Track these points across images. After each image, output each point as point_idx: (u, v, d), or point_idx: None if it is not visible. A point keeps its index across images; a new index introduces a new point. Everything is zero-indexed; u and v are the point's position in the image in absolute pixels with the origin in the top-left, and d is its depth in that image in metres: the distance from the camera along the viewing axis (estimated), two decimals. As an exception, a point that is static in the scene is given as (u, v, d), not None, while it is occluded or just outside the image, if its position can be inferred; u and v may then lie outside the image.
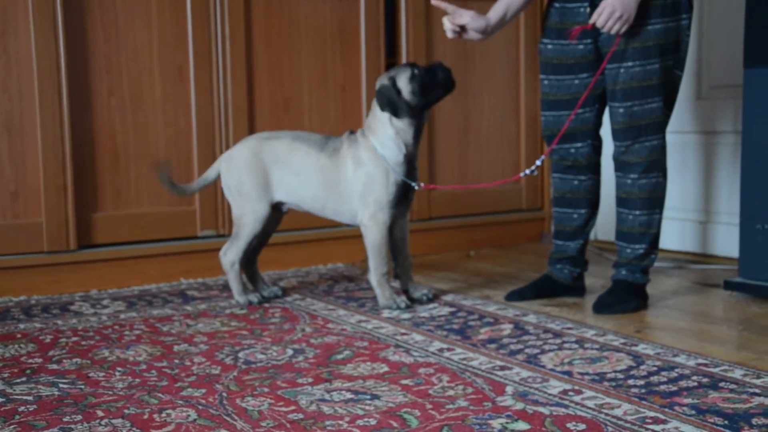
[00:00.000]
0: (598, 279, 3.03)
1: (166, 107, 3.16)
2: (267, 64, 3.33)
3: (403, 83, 2.56)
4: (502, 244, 3.89)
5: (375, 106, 2.62)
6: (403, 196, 2.63)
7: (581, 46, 2.58)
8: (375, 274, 2.65)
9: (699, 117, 3.41)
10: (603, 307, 2.57)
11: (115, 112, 3.07)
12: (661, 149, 2.59)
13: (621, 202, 2.65)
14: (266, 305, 2.71)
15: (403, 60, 3.61)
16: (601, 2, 2.49)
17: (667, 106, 2.56)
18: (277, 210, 2.75)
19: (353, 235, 3.49)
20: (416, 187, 2.64)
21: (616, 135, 2.59)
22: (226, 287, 2.99)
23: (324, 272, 3.28)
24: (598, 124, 2.69)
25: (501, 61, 3.91)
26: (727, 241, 3.31)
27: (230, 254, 2.71)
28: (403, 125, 2.58)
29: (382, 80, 2.60)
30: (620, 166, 2.62)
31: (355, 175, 2.60)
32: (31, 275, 2.89)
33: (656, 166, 2.58)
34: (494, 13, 2.67)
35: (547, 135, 2.72)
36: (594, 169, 2.72)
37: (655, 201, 2.61)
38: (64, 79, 2.92)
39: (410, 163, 2.61)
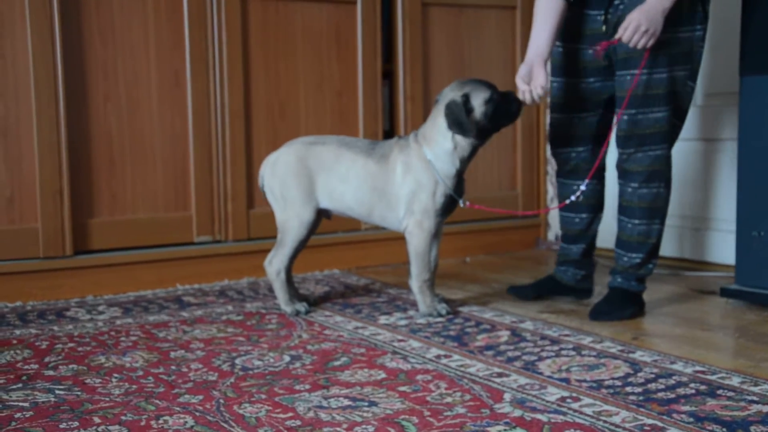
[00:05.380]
0: (595, 285, 3.03)
1: (163, 112, 3.15)
2: (263, 69, 3.33)
3: (478, 103, 2.51)
4: (498, 251, 3.89)
5: (438, 117, 2.55)
6: (448, 208, 2.61)
7: (591, 51, 2.58)
8: (417, 281, 2.62)
9: (695, 124, 3.42)
10: (599, 314, 2.57)
11: (112, 116, 3.06)
12: (665, 159, 2.57)
13: (621, 210, 2.65)
14: (263, 311, 2.70)
15: (400, 66, 3.61)
16: (624, 14, 2.48)
17: (676, 117, 2.55)
18: (318, 215, 2.69)
19: (348, 242, 3.49)
20: (462, 205, 2.62)
21: (619, 142, 2.59)
22: (222, 293, 2.99)
23: (320, 278, 3.28)
24: (603, 129, 2.69)
25: (497, 66, 3.91)
26: (723, 248, 3.31)
27: (276, 262, 2.66)
28: (464, 143, 2.54)
29: (454, 95, 2.52)
30: (622, 173, 2.61)
31: (403, 181, 2.57)
32: (27, 281, 2.88)
33: (658, 176, 2.57)
34: (547, 49, 2.58)
35: (552, 137, 2.75)
36: (595, 174, 2.71)
37: (655, 211, 2.60)
38: (60, 83, 2.91)
39: (459, 177, 2.60)
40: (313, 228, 2.70)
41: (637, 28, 2.39)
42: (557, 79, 2.67)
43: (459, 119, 2.49)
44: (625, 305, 2.60)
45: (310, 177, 2.61)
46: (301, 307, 2.67)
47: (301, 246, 2.71)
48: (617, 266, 2.68)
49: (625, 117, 2.54)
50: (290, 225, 2.63)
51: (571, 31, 2.64)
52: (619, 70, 2.55)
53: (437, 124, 2.56)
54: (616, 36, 2.45)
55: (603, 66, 2.60)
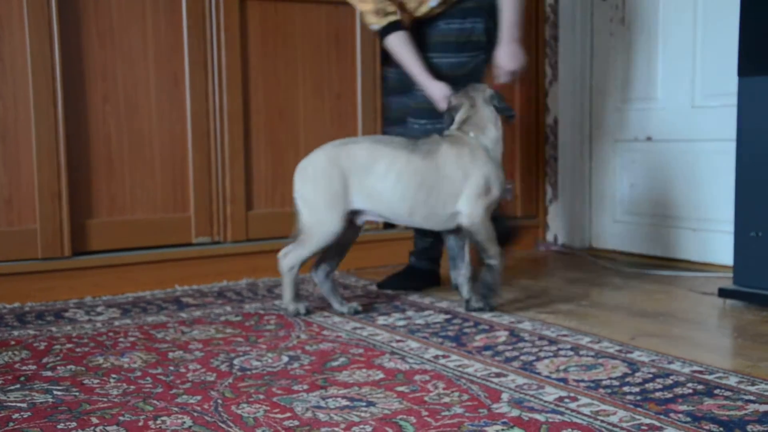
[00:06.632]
0: (593, 286, 3.03)
1: (162, 114, 3.15)
2: (262, 72, 3.34)
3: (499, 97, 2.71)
4: (497, 252, 3.88)
5: (482, 108, 2.65)
6: None
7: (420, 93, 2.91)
8: (500, 263, 2.65)
9: (692, 125, 3.43)
10: (386, 284, 3.02)
11: (110, 119, 3.07)
12: None
13: None
14: (261, 312, 2.71)
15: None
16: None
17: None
18: (352, 221, 2.64)
19: (348, 243, 3.49)
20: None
21: None
22: (220, 294, 2.99)
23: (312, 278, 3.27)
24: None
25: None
26: (721, 249, 3.31)
27: (291, 258, 2.60)
28: (502, 130, 2.68)
29: (484, 91, 2.67)
30: None
31: (465, 176, 2.56)
32: (25, 282, 2.88)
33: None
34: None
35: None
36: None
37: None
38: (59, 85, 2.92)
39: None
40: (347, 236, 2.65)
41: (507, 71, 2.83)
42: (393, 98, 3.06)
43: (508, 104, 2.69)
44: (414, 279, 3.03)
45: (343, 179, 2.54)
46: (302, 307, 2.66)
47: (338, 254, 2.69)
48: (413, 248, 3.12)
49: (428, 127, 2.87)
50: (316, 231, 2.55)
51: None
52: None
53: (483, 114, 2.64)
54: (496, 82, 2.85)
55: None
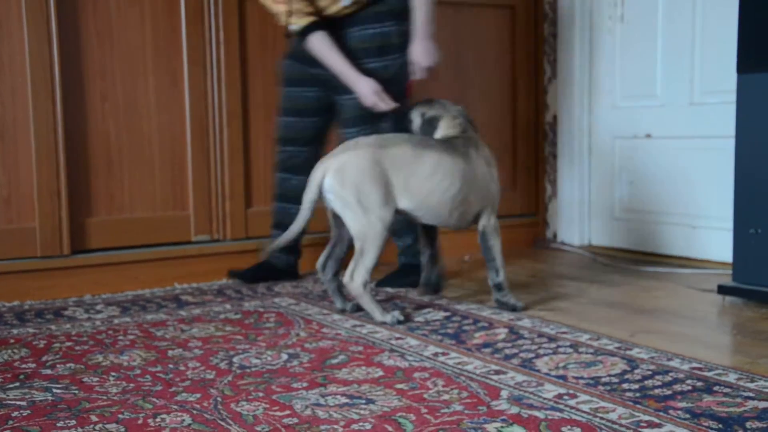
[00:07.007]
0: (592, 283, 3.03)
1: (161, 112, 3.15)
2: (261, 70, 3.33)
3: None
4: (497, 249, 3.88)
5: (463, 121, 2.72)
6: None
7: (311, 93, 3.00)
8: (506, 278, 2.69)
9: (691, 122, 3.43)
10: (385, 282, 3.03)
11: (109, 117, 3.07)
12: None
13: None
14: (261, 309, 2.71)
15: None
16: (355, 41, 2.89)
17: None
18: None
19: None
20: None
21: None
22: (220, 292, 2.98)
23: (318, 277, 3.27)
24: (323, 132, 3.08)
25: (495, 65, 3.92)
26: (720, 246, 3.31)
27: (358, 276, 2.50)
28: None
29: (453, 104, 2.77)
30: None
31: (492, 176, 2.65)
32: (25, 280, 2.88)
33: None
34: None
35: (280, 137, 3.09)
36: (305, 171, 2.89)
37: None
38: (57, 84, 2.92)
39: None
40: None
41: (422, 67, 2.87)
42: (288, 89, 3.04)
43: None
44: (412, 276, 3.00)
45: (385, 179, 2.49)
46: (398, 315, 2.53)
47: (347, 247, 2.64)
48: (398, 249, 3.09)
49: (363, 134, 2.86)
50: (373, 232, 2.48)
51: (299, 52, 2.96)
52: (341, 95, 2.92)
53: (467, 126, 2.72)
54: (412, 78, 2.91)
55: (323, 79, 2.93)
